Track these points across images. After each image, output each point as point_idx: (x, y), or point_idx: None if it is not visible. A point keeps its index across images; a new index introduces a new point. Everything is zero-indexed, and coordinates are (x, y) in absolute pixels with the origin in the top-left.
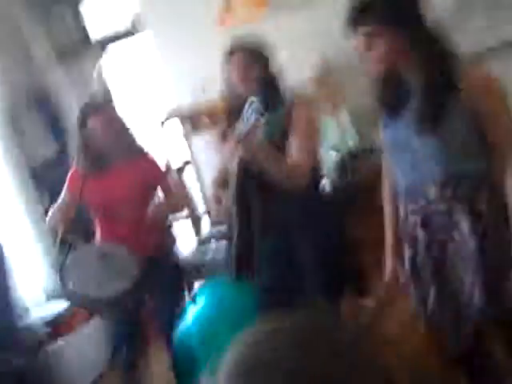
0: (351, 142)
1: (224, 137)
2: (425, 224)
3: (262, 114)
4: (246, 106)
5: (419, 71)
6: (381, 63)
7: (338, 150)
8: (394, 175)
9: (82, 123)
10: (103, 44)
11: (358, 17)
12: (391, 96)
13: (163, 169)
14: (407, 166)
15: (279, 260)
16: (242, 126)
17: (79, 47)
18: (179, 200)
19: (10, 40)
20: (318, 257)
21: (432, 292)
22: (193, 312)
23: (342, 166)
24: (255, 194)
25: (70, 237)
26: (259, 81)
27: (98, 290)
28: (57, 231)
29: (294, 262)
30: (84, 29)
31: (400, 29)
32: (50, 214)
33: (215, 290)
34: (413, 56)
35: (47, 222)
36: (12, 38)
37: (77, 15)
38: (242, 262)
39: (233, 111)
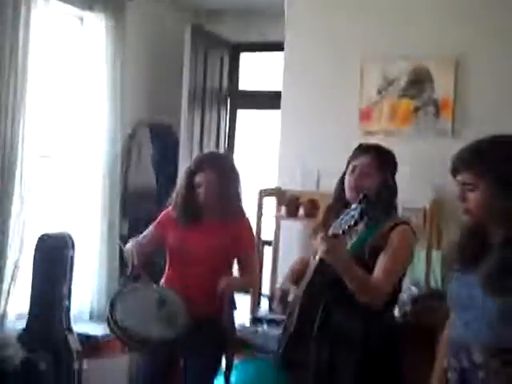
0: (434, 283)
1: (315, 232)
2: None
3: (356, 223)
4: (348, 209)
5: (502, 227)
6: (471, 213)
7: (418, 287)
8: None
9: (191, 174)
10: (245, 98)
11: (459, 165)
12: (473, 249)
13: (251, 242)
14: (462, 322)
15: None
16: (336, 226)
17: (221, 94)
18: (252, 281)
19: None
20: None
21: None
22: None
23: (415, 305)
24: (325, 296)
25: (142, 275)
26: (371, 192)
27: (142, 328)
28: (132, 262)
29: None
30: (234, 79)
31: (494, 183)
32: (131, 241)
33: (251, 370)
34: (500, 211)
35: (125, 249)
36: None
37: (232, 64)
38: (290, 355)
39: (333, 211)
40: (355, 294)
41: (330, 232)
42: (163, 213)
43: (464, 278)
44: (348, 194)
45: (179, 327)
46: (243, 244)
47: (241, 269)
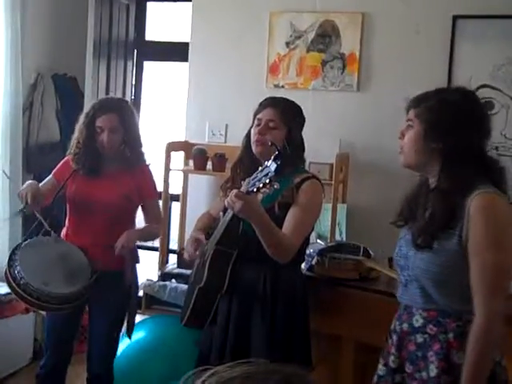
0: (339, 236)
1: (224, 189)
2: (399, 349)
3: (271, 181)
4: (260, 167)
5: (430, 174)
6: (403, 151)
7: (324, 240)
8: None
9: (91, 120)
10: (152, 49)
11: (410, 103)
12: (413, 205)
13: (154, 189)
14: (402, 283)
15: (231, 327)
16: (249, 182)
17: (127, 45)
18: (154, 232)
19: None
20: (269, 338)
21: None
22: (126, 343)
23: (321, 257)
24: (235, 251)
25: (37, 214)
26: (278, 146)
27: (44, 284)
28: (25, 198)
29: (245, 334)
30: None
31: (425, 124)
32: (28, 183)
33: (160, 325)
34: (425, 152)
35: (19, 192)
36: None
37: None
38: (196, 314)
39: (241, 166)
40: (267, 249)
41: (244, 189)
42: (62, 162)
43: (407, 237)
44: (253, 148)
45: (81, 282)
46: (146, 191)
47: (145, 217)
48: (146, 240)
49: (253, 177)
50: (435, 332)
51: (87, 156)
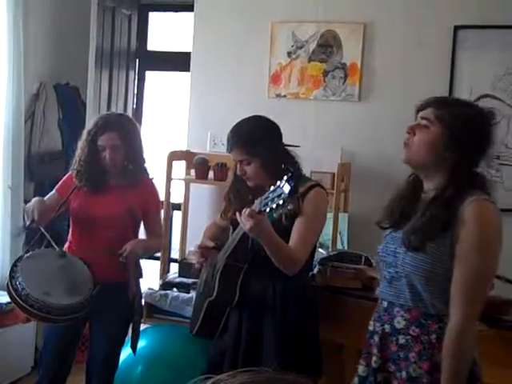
0: (341, 245)
1: (228, 199)
2: (381, 349)
3: (284, 202)
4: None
5: (434, 179)
6: (407, 147)
7: (325, 249)
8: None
9: (93, 138)
10: (154, 59)
11: (432, 103)
12: (403, 206)
13: (158, 204)
14: (386, 280)
15: (243, 339)
16: (261, 201)
17: (130, 55)
18: (159, 243)
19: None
20: (280, 347)
21: None
22: (127, 353)
23: (322, 266)
24: (246, 265)
25: (43, 230)
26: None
27: (45, 295)
28: (32, 215)
29: (257, 345)
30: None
31: (445, 131)
32: (34, 200)
33: (161, 335)
34: (437, 158)
35: (26, 208)
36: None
37: (141, 24)
38: (206, 325)
39: (237, 194)
40: (276, 264)
41: (256, 207)
42: (65, 177)
43: (394, 234)
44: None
45: (83, 294)
46: (149, 206)
47: (147, 231)
48: (149, 253)
49: (265, 196)
50: (418, 333)
51: (89, 174)
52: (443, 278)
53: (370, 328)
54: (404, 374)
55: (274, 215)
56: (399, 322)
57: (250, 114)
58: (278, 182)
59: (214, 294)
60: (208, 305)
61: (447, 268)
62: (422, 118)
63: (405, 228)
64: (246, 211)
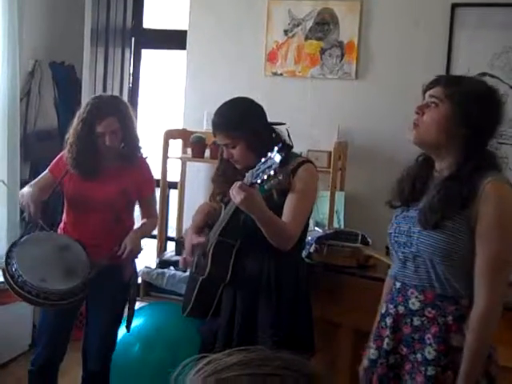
0: (337, 223)
1: (217, 176)
2: (394, 331)
3: (276, 173)
4: (263, 158)
5: (448, 157)
6: (417, 128)
7: (322, 228)
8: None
9: (90, 127)
10: (150, 37)
11: (441, 82)
12: (414, 185)
13: (152, 184)
14: (400, 260)
15: (236, 319)
16: (252, 173)
17: (125, 33)
18: (154, 224)
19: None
20: (275, 326)
21: None
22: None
23: (319, 245)
24: (238, 242)
25: (38, 220)
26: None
27: (42, 281)
28: (28, 209)
29: (251, 325)
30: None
31: (455, 107)
32: (26, 188)
33: (158, 312)
34: (448, 135)
35: (20, 196)
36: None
37: (136, 2)
38: (199, 305)
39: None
40: (269, 239)
41: (247, 180)
42: (58, 157)
43: (407, 214)
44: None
45: (80, 278)
46: (144, 186)
47: (142, 211)
48: (147, 234)
49: (256, 168)
50: (434, 315)
51: (84, 161)
52: (460, 257)
53: (382, 310)
54: (419, 355)
55: (266, 187)
56: (414, 304)
57: (247, 93)
58: (269, 153)
59: (207, 271)
60: (201, 283)
61: (464, 247)
62: (431, 96)
63: (420, 206)
64: (236, 184)
